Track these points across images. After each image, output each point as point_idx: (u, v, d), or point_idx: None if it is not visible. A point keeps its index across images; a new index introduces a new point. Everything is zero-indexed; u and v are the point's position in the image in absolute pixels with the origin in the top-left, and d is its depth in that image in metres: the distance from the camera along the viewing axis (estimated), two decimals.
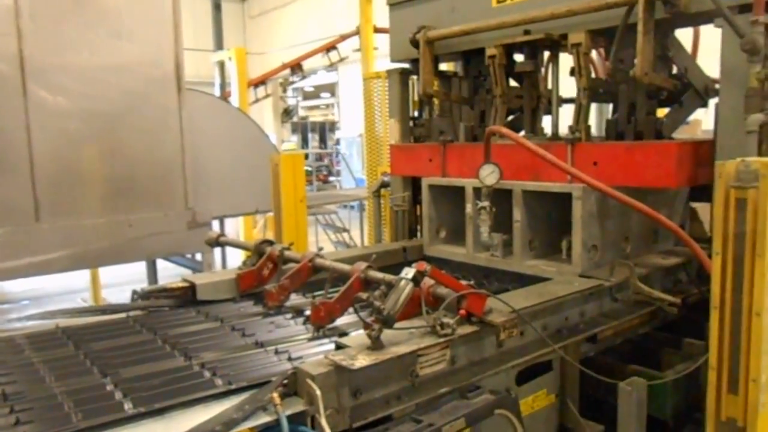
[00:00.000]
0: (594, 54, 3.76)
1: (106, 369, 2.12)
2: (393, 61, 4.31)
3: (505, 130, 3.04)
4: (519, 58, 3.72)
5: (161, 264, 7.33)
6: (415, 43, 3.86)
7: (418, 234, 4.23)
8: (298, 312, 2.82)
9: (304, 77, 12.87)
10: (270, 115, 16.10)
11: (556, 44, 3.42)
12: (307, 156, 18.21)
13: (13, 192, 4.51)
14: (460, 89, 4.07)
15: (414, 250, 3.85)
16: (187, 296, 3.00)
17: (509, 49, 3.55)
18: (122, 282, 9.47)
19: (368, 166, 7.02)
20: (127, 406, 1.83)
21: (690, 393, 2.90)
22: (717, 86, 3.31)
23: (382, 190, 4.33)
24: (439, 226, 3.83)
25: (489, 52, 3.52)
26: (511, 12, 3.45)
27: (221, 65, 10.68)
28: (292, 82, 17.75)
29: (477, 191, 3.37)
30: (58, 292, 9.75)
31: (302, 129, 25.97)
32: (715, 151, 2.78)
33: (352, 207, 11.08)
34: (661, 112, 3.44)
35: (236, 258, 8.52)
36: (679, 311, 2.85)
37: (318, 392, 1.80)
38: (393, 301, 2.03)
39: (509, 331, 2.29)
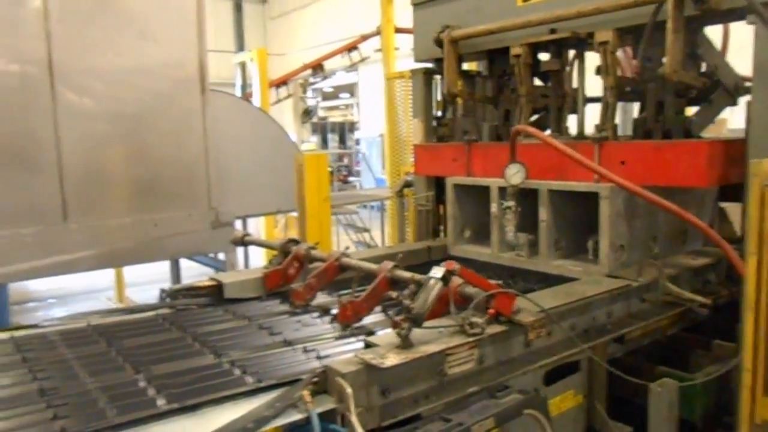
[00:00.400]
0: (620, 52, 3.72)
1: (138, 366, 2.15)
2: (417, 60, 4.30)
3: (531, 129, 3.02)
4: (543, 57, 3.70)
5: (184, 263, 7.41)
6: (439, 43, 3.86)
7: (441, 234, 4.23)
8: (324, 311, 2.83)
9: (325, 78, 12.92)
10: (290, 116, 16.18)
11: (582, 43, 3.39)
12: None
13: (41, 192, 4.58)
14: (484, 89, 4.06)
15: (438, 249, 3.85)
16: (214, 295, 3.02)
17: (534, 48, 3.53)
18: (145, 281, 9.59)
19: (390, 165, 7.01)
20: (160, 402, 1.85)
21: (720, 396, 2.86)
22: (747, 84, 3.27)
23: (405, 190, 4.33)
24: (463, 226, 3.82)
25: (514, 51, 3.51)
26: (536, 11, 3.43)
27: (242, 66, 10.76)
28: (313, 83, 17.82)
29: (502, 191, 3.36)
30: (83, 291, 9.90)
31: (322, 129, 26.06)
32: (747, 150, 2.73)
33: (372, 207, 11.08)
34: (688, 110, 3.40)
35: (259, 257, 8.59)
36: (709, 312, 2.81)
37: (349, 390, 1.80)
38: (422, 300, 2.03)
39: (538, 331, 2.28)
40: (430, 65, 4.26)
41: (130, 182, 5.17)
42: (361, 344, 2.40)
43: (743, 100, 3.26)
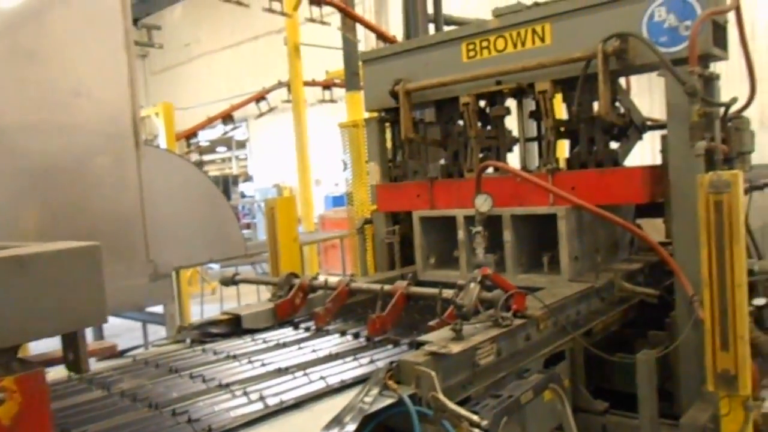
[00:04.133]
0: None
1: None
2: (368, 110, 4.82)
3: (500, 164, 3.61)
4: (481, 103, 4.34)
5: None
6: (393, 94, 4.39)
7: (396, 264, 4.67)
8: (342, 333, 3.16)
9: (235, 128, 13.15)
10: None
11: (522, 92, 4.07)
12: None
13: None
14: (432, 133, 4.63)
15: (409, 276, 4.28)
16: (232, 327, 3.25)
17: (480, 97, 4.17)
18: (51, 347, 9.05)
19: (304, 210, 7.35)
20: (274, 402, 2.13)
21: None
22: (649, 123, 4.11)
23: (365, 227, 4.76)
24: (428, 254, 4.31)
25: (463, 100, 4.12)
26: (478, 66, 4.08)
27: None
28: (193, 135, 17.84)
29: (468, 219, 3.90)
30: None
31: None
32: (666, 173, 3.46)
33: None
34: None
35: (196, 308, 8.47)
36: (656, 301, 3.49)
37: (433, 373, 2.18)
38: (468, 300, 2.47)
39: (545, 323, 2.79)
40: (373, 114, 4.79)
41: (67, 239, 5.14)
42: (395, 351, 2.80)
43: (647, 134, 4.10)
